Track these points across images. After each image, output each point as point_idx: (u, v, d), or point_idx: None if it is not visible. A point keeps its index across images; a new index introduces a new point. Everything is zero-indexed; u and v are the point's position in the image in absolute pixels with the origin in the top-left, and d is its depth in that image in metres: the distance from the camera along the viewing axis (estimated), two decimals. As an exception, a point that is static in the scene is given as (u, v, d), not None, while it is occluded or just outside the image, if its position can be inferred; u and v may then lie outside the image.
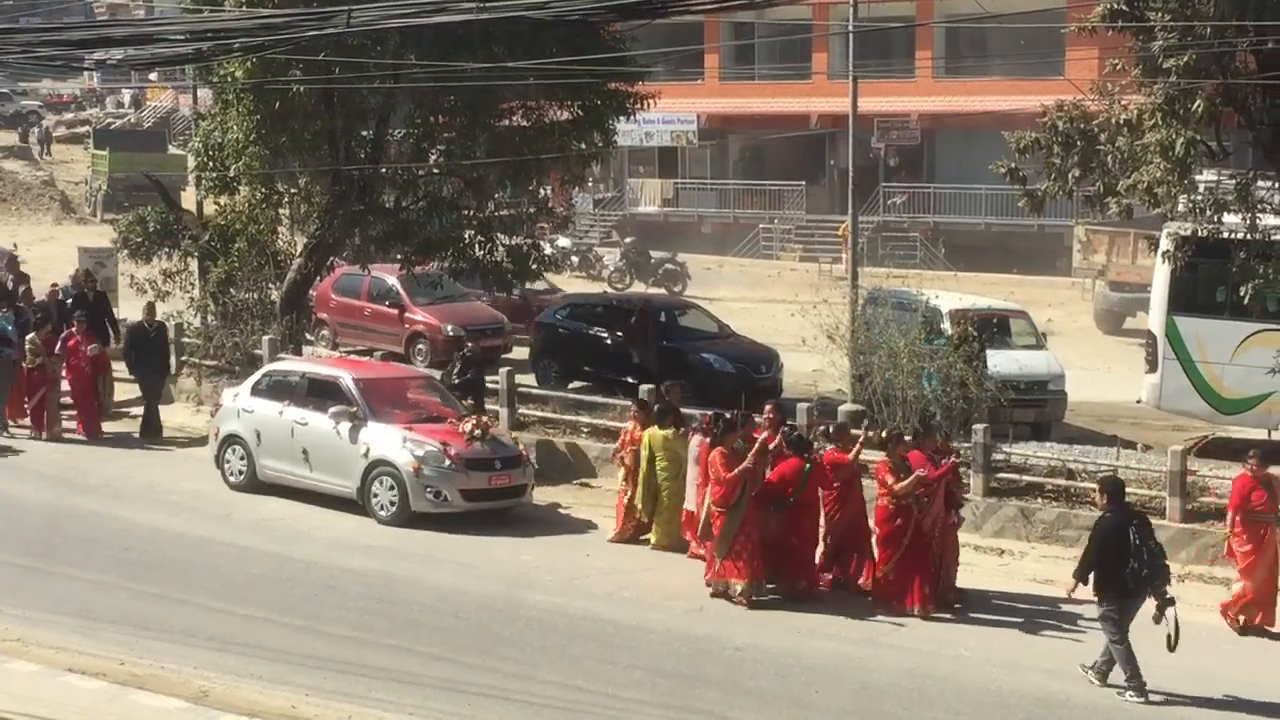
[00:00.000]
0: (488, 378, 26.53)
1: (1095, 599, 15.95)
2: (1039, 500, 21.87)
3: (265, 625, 17.33)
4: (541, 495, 23.10)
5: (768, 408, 20.34)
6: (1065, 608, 18.56)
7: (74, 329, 26.47)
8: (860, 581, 18.91)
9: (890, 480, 18.29)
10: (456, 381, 24.43)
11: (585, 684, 15.79)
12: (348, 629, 17.24)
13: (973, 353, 24.95)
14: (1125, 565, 15.55)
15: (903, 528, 18.23)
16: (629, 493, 21.00)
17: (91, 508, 22.01)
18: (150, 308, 27.76)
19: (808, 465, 18.80)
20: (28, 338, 26.23)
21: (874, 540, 18.81)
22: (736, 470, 18.36)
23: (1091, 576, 15.95)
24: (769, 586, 18.67)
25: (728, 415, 19.68)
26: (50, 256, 40.87)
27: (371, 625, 17.39)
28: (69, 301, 29.08)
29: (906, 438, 19.21)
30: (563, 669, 16.23)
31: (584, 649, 16.88)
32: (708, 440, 19.32)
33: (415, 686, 15.50)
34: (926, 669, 16.58)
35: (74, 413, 26.40)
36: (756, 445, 18.73)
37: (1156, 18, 21.81)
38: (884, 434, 19.47)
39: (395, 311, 33.31)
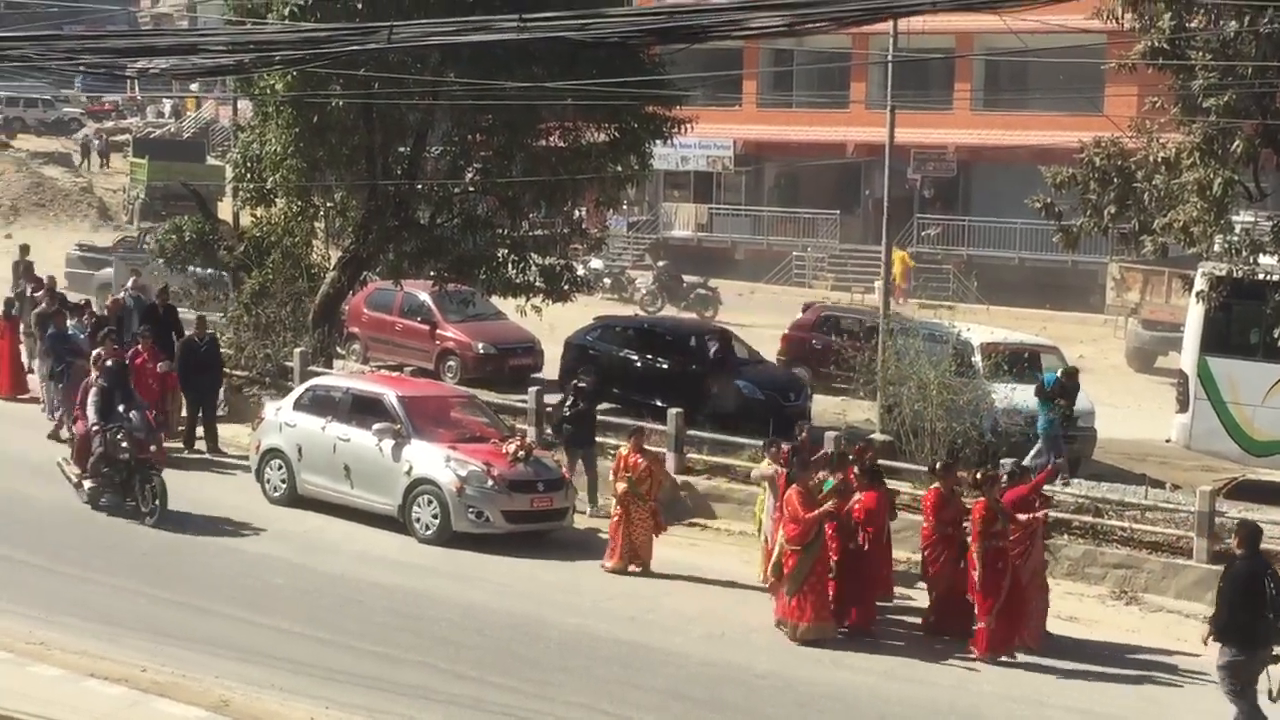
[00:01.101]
0: (515, 397, 26.60)
1: (1219, 648, 15.36)
2: (1065, 537, 21.76)
3: (289, 637, 17.36)
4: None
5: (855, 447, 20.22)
6: (1089, 647, 18.51)
7: (140, 345, 25.81)
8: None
9: (980, 527, 17.82)
10: (568, 414, 23.62)
11: (607, 706, 15.79)
12: (372, 643, 17.25)
13: (1072, 402, 25.04)
14: (1258, 615, 15.03)
15: (1002, 572, 17.77)
16: (623, 520, 20.73)
17: (123, 516, 22.05)
18: (201, 321, 27.27)
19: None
20: (95, 352, 25.26)
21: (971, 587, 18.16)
22: (816, 512, 18.07)
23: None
24: (841, 630, 18.37)
25: (805, 451, 19.42)
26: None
27: (397, 641, 17.41)
28: (129, 314, 28.67)
29: (1004, 478, 18.82)
30: (584, 690, 16.22)
31: (606, 671, 16.88)
32: (785, 474, 19.04)
33: (437, 703, 15.51)
34: (948, 703, 16.52)
35: None
36: (833, 487, 18.48)
37: (1197, 57, 21.82)
38: (978, 475, 18.88)
39: (427, 328, 33.36)
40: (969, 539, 18.07)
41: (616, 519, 20.81)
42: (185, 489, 23.61)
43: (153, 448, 22.13)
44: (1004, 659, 17.74)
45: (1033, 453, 23.91)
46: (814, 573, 18.07)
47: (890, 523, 19.46)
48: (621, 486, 20.79)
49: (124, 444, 21.74)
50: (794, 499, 18.19)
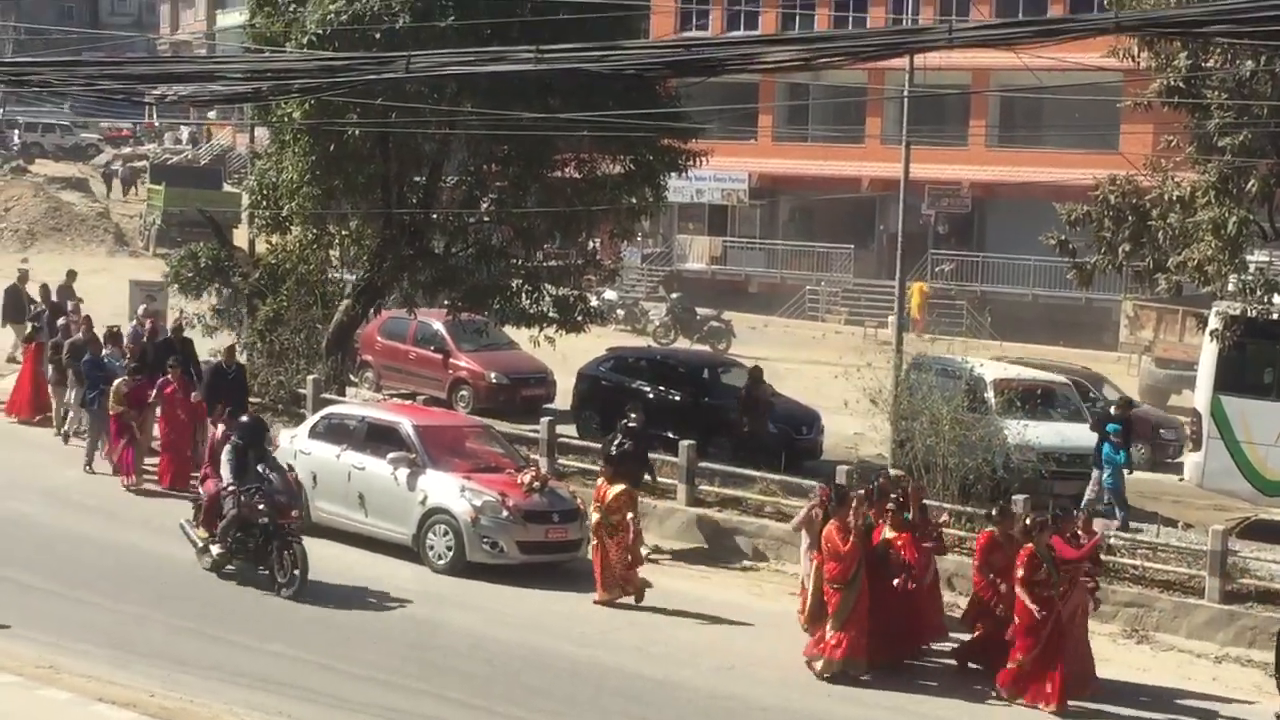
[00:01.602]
0: (527, 427, 26.57)
1: None
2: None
3: (299, 665, 17.33)
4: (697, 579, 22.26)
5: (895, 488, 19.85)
6: (1104, 686, 18.41)
7: (169, 375, 25.27)
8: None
9: (1021, 572, 17.55)
10: (614, 453, 22.52)
11: (614, 738, 15.75)
12: (383, 672, 17.23)
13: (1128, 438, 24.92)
14: None
15: (1046, 619, 17.50)
16: (599, 551, 20.57)
17: (132, 541, 22.04)
18: (230, 350, 27.13)
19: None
20: (116, 382, 25.24)
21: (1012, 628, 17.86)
22: (852, 542, 17.84)
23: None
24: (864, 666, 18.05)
25: (842, 487, 19.19)
26: (101, 288, 41.12)
27: (405, 669, 17.39)
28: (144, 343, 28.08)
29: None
30: (592, 722, 16.19)
31: (615, 703, 16.85)
32: (820, 513, 18.82)
33: (444, 732, 15.48)
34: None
35: (156, 461, 25.38)
36: (858, 520, 18.20)
37: (1213, 96, 21.86)
38: (1028, 521, 18.43)
39: (440, 357, 33.42)
40: (1014, 585, 17.74)
41: (593, 549, 20.77)
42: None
43: (294, 513, 20.32)
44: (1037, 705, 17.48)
45: (1089, 495, 23.81)
46: (856, 609, 17.86)
47: (936, 557, 19.31)
48: (595, 517, 20.74)
49: (262, 507, 19.89)
50: (833, 535, 17.95)
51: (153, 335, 28.79)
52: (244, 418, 21.49)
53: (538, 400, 32.42)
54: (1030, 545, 17.74)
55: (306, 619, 19.04)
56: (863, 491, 19.30)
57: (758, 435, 27.44)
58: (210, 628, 18.38)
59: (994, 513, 19.18)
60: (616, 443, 22.68)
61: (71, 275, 35.67)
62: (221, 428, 21.24)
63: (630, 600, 20.48)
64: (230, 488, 20.22)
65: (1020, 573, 17.58)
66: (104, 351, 27.18)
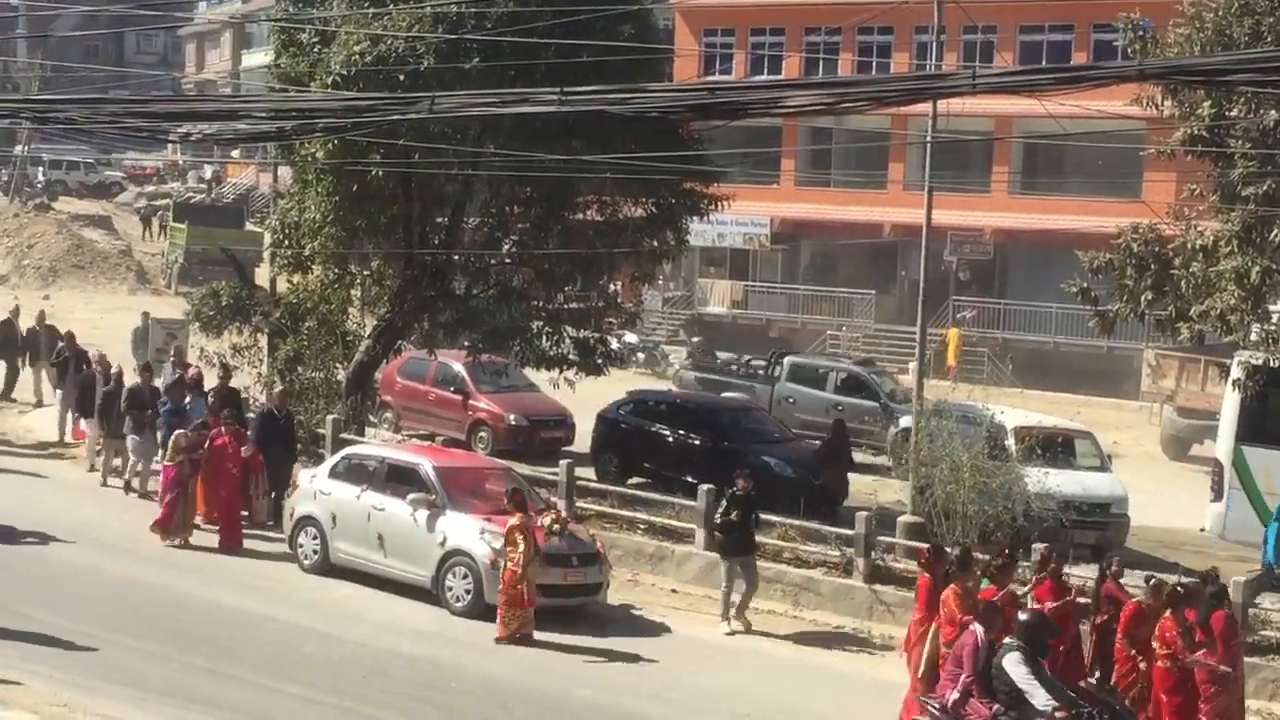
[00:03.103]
0: (546, 469, 26.52)
1: None
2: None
3: (314, 706, 17.27)
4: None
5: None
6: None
7: (222, 428, 24.88)
8: None
9: (1176, 640, 17.06)
10: (719, 520, 22.40)
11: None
12: (396, 714, 17.16)
13: None
14: None
15: (1193, 699, 16.99)
16: (511, 584, 20.22)
17: (153, 579, 22.02)
18: (282, 395, 27.04)
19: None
20: (175, 434, 24.84)
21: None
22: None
23: None
24: None
25: (961, 552, 18.40)
26: (122, 326, 41.26)
27: (420, 713, 17.31)
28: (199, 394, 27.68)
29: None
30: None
31: (630, 748, 16.75)
32: (927, 575, 18.27)
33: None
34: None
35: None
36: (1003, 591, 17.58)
37: (1236, 145, 21.82)
38: (1170, 590, 17.67)
39: (459, 398, 33.43)
40: (1159, 656, 17.32)
41: (506, 582, 20.39)
42: (220, 560, 23.69)
43: None
44: None
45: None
46: None
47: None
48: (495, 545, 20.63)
49: None
50: (951, 601, 17.13)
51: (195, 377, 28.67)
52: (1024, 615, 15.15)
53: (557, 443, 32.41)
54: (1171, 617, 17.26)
55: (322, 660, 18.98)
56: (997, 559, 18.68)
57: (834, 490, 27.33)
58: (229, 668, 18.31)
59: (1149, 583, 18.40)
60: (722, 510, 22.44)
61: (146, 317, 36.76)
62: (978, 629, 14.94)
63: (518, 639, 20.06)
64: (1056, 712, 13.99)
65: (1166, 646, 17.11)
66: (186, 399, 26.91)
